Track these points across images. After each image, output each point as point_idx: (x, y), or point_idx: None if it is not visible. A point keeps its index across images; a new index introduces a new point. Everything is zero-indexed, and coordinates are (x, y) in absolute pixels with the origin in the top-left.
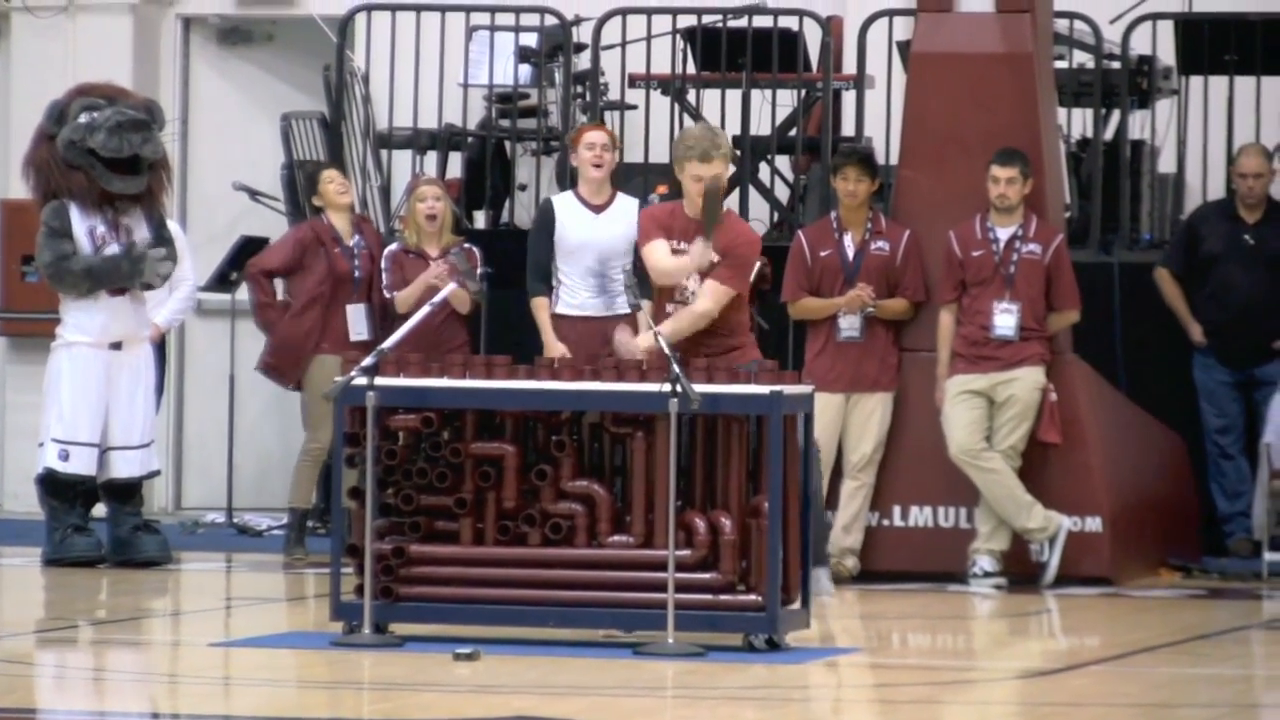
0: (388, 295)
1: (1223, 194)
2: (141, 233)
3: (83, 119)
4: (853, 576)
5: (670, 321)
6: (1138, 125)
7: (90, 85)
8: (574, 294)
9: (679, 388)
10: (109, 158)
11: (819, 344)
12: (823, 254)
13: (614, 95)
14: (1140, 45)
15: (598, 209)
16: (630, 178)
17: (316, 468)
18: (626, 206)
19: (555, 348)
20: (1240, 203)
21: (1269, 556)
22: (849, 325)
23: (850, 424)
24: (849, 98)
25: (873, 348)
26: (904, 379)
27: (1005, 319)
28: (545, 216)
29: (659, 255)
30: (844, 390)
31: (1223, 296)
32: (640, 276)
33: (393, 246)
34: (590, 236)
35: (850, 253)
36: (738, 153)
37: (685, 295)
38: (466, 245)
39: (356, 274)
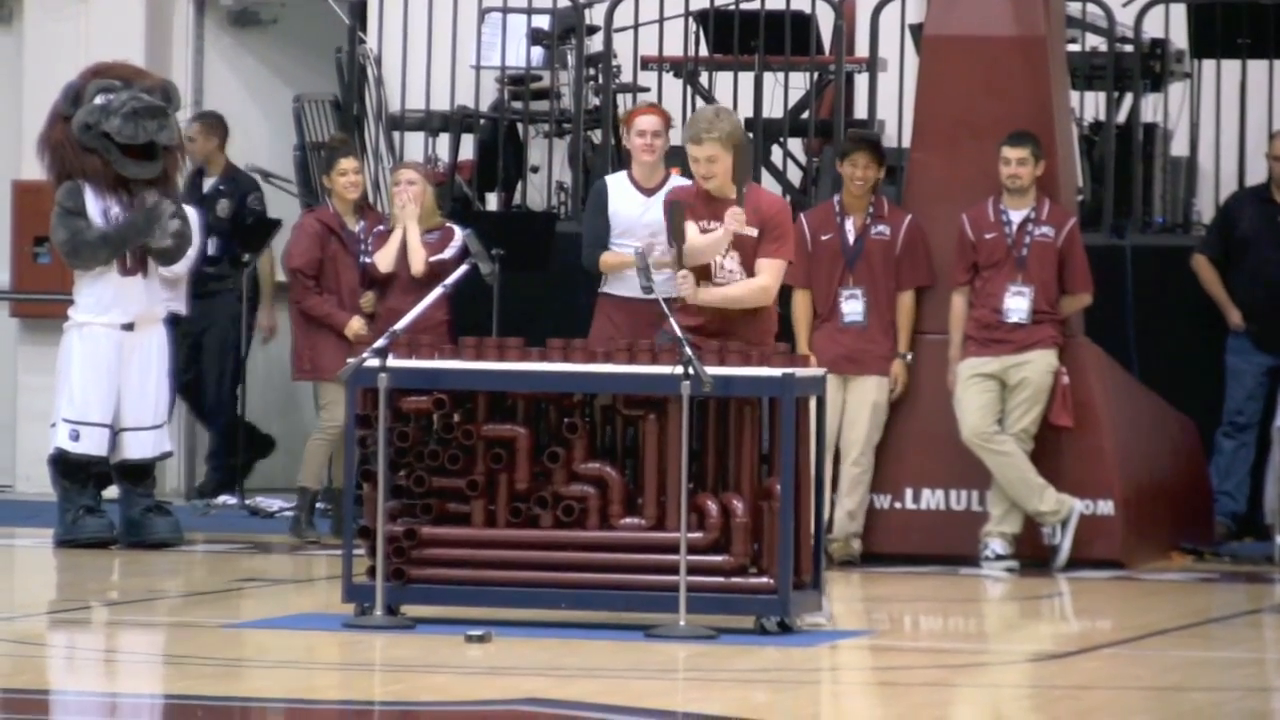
0: (367, 261)
1: (1234, 177)
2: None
3: (99, 101)
4: (858, 559)
5: (734, 288)
6: (1150, 109)
7: (106, 66)
8: (624, 277)
9: (691, 370)
10: (124, 143)
11: (816, 324)
12: (824, 238)
13: (626, 78)
14: (1153, 28)
15: (649, 192)
16: None
17: (330, 448)
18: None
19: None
20: (1276, 186)
21: None
22: (851, 310)
23: (846, 407)
24: (861, 80)
25: (870, 332)
26: (915, 362)
27: (1017, 302)
28: (599, 197)
29: (690, 235)
30: (841, 372)
31: (1258, 280)
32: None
33: (379, 228)
34: (640, 218)
35: (851, 237)
36: (749, 135)
37: (724, 276)
38: (455, 227)
39: (363, 259)
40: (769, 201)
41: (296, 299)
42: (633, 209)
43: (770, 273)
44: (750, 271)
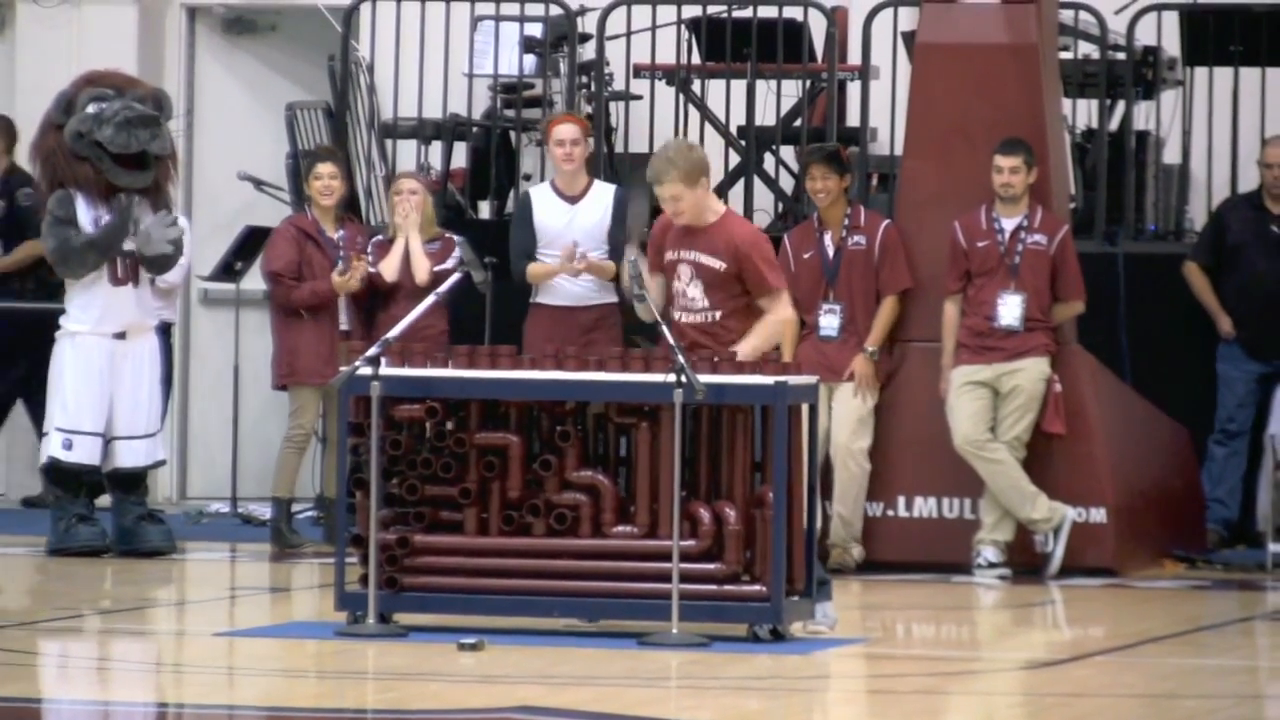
0: (372, 271)
1: (1227, 185)
2: (147, 223)
3: (90, 109)
4: (857, 565)
5: (753, 337)
6: (1142, 116)
7: (98, 74)
8: (551, 286)
9: (684, 378)
10: (116, 152)
11: (804, 335)
12: (805, 256)
13: (619, 85)
14: (1145, 36)
15: (573, 199)
16: (634, 168)
17: (300, 455)
18: (602, 194)
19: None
20: (1266, 193)
21: (1273, 548)
22: (827, 325)
23: (832, 414)
24: (854, 88)
25: (850, 341)
26: (908, 369)
27: (1010, 309)
28: (524, 209)
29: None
30: (823, 381)
31: (1248, 287)
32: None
33: (378, 237)
34: (566, 226)
35: (830, 251)
36: (706, 170)
37: (687, 301)
38: (453, 238)
39: (340, 265)
40: (741, 232)
41: (281, 301)
42: (557, 218)
43: (781, 304)
44: (714, 301)
